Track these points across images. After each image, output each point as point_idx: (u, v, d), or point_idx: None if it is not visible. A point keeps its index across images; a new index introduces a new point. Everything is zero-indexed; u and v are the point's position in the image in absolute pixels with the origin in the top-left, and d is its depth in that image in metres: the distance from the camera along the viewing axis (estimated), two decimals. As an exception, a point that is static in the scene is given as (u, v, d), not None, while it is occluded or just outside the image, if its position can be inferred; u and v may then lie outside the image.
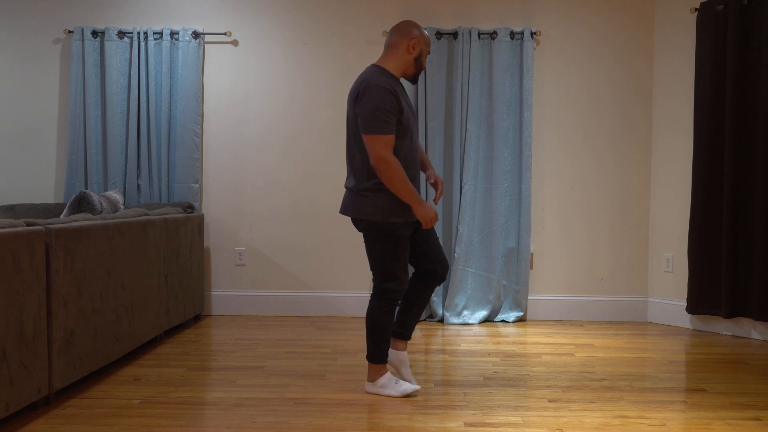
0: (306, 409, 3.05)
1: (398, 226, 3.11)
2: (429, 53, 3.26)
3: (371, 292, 3.23)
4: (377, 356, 3.23)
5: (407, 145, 3.13)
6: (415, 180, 3.18)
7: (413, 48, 3.14)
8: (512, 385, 3.42)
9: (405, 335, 3.33)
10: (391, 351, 3.31)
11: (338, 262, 5.24)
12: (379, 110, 2.97)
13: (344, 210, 3.20)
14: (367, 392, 3.27)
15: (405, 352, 3.34)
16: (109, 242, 3.52)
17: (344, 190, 3.30)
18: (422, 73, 3.25)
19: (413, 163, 3.17)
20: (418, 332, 4.72)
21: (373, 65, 3.15)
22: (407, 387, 3.22)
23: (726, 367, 3.81)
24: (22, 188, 5.25)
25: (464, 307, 5.03)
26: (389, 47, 3.17)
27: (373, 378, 3.26)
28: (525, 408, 3.08)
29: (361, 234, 3.23)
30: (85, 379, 3.45)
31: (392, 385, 3.23)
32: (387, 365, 3.29)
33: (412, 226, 3.18)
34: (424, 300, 3.35)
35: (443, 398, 3.21)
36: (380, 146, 2.98)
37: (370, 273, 5.19)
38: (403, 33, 3.15)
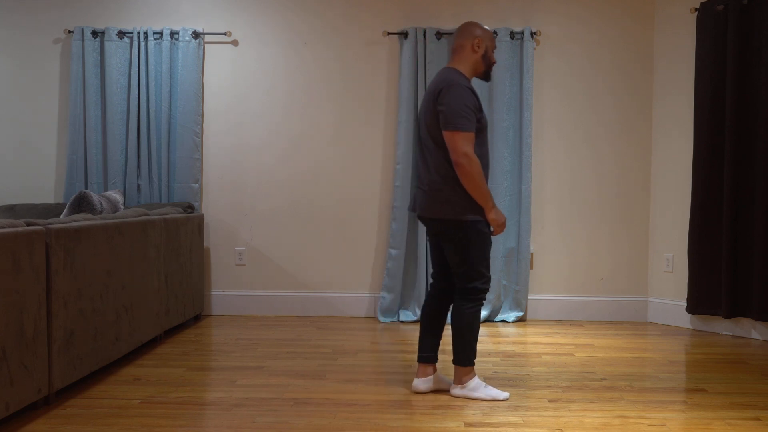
0: (306, 409, 3.05)
1: (485, 223, 3.13)
2: (495, 47, 3.28)
3: (457, 296, 3.20)
4: (467, 359, 3.19)
5: (483, 147, 3.14)
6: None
7: (478, 46, 3.18)
8: (512, 385, 3.42)
9: (433, 358, 3.32)
10: (422, 380, 3.29)
11: (338, 262, 5.24)
12: (462, 107, 3.01)
13: (428, 212, 3.16)
14: (454, 396, 3.21)
15: (434, 374, 3.32)
16: (109, 242, 3.52)
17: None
18: (490, 70, 3.32)
19: (486, 167, 3.17)
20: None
21: (448, 67, 3.19)
22: (497, 393, 3.20)
23: (726, 367, 3.81)
24: (22, 188, 5.25)
25: (464, 307, 5.02)
26: (455, 51, 3.21)
27: (462, 381, 3.20)
28: (525, 408, 3.08)
29: (435, 236, 3.22)
30: (85, 379, 3.44)
31: (481, 388, 3.20)
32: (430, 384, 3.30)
33: None
34: (444, 319, 3.36)
35: (443, 398, 3.21)
36: (463, 142, 3.00)
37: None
38: (465, 34, 3.19)
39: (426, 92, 3.19)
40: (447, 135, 3.03)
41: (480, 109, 3.11)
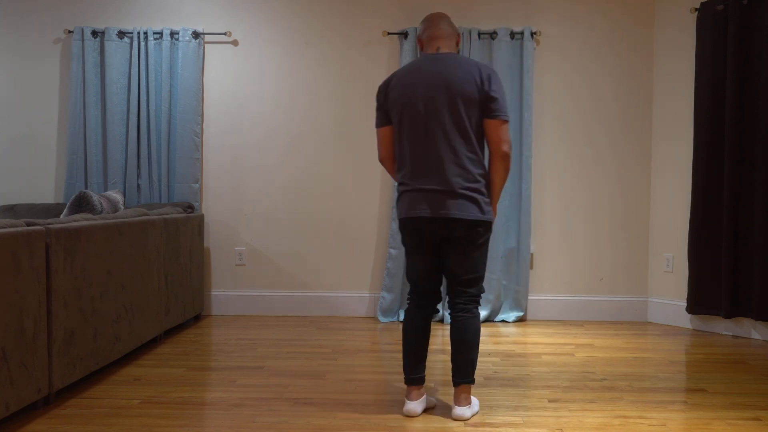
0: (306, 409, 3.05)
1: None
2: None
3: (468, 306, 2.94)
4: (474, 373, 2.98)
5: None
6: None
7: (457, 45, 3.03)
8: (512, 385, 3.42)
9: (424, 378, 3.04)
10: (419, 402, 3.00)
11: (338, 262, 5.24)
12: (506, 96, 2.89)
13: (459, 211, 2.82)
14: (465, 419, 2.89)
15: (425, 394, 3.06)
16: (109, 242, 3.52)
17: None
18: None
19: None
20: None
21: (458, 54, 2.96)
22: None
23: (726, 367, 3.81)
24: (22, 188, 5.25)
25: (464, 307, 5.02)
26: (448, 37, 2.97)
27: (470, 399, 2.96)
28: (525, 408, 3.08)
29: (449, 241, 2.88)
30: (85, 379, 3.45)
31: (476, 401, 3.05)
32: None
33: None
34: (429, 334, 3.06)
35: (443, 398, 3.21)
36: (508, 133, 2.86)
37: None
38: (453, 27, 3.00)
39: (448, 77, 2.82)
40: (495, 124, 2.82)
41: None
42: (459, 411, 2.92)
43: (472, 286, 2.94)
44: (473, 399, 3.02)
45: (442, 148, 2.83)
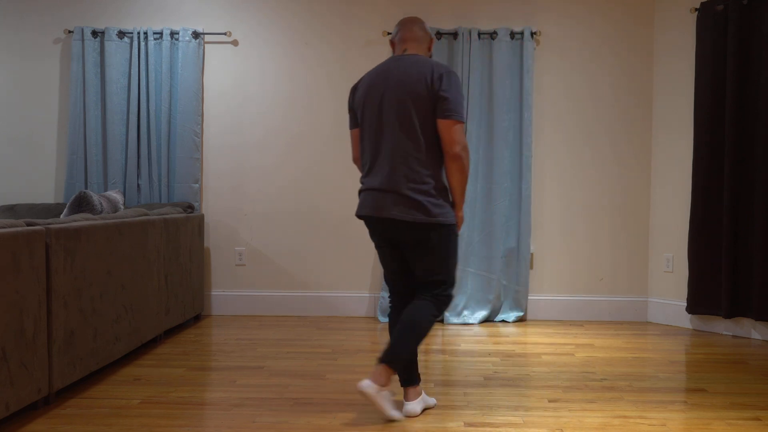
0: (306, 409, 3.05)
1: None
2: None
3: (427, 299, 2.88)
4: (401, 363, 2.87)
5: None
6: None
7: (429, 49, 3.05)
8: (512, 385, 3.42)
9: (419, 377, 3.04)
10: (417, 402, 2.99)
11: (338, 262, 5.24)
12: (462, 98, 2.84)
13: (410, 215, 2.79)
14: (365, 391, 2.75)
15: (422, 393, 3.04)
16: (109, 242, 3.52)
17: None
18: None
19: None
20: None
21: (423, 55, 2.96)
22: (395, 412, 2.89)
23: (726, 367, 3.81)
24: (22, 188, 5.25)
25: (464, 307, 5.03)
26: (418, 40, 2.98)
27: (385, 383, 2.79)
28: (525, 408, 3.08)
29: (406, 244, 2.87)
30: (85, 379, 3.45)
31: (389, 400, 2.85)
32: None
33: None
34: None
35: (443, 398, 3.21)
36: (463, 134, 2.80)
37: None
38: (426, 31, 3.01)
39: (401, 77, 2.83)
40: (447, 124, 2.77)
41: None
42: (365, 384, 2.76)
43: (435, 288, 2.90)
44: (384, 392, 2.80)
45: (391, 149, 2.83)
